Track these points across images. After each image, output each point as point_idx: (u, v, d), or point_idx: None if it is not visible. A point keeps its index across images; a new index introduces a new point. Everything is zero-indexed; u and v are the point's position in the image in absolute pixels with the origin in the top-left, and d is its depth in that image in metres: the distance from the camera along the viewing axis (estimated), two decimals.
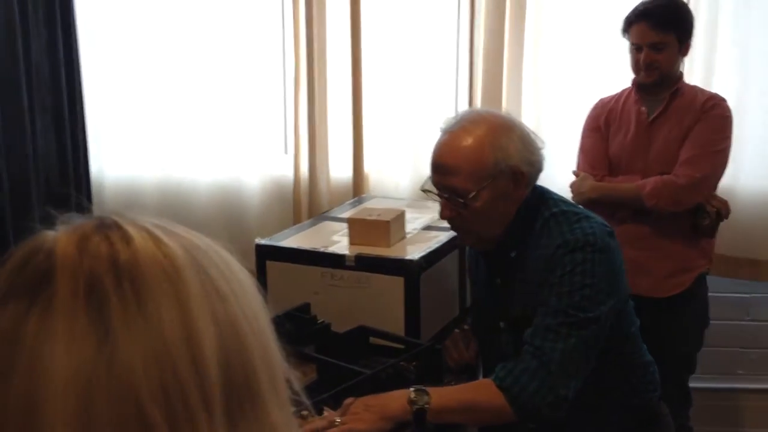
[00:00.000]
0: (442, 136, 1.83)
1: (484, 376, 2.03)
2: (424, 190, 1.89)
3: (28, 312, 0.58)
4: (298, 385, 0.71)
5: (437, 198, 1.84)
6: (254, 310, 0.66)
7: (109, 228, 0.62)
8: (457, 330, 2.19)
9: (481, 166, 1.77)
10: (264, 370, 0.64)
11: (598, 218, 1.84)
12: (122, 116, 3.09)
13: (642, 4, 2.64)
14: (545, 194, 1.88)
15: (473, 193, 1.77)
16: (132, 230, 0.62)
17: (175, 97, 3.08)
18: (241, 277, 0.67)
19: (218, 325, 0.61)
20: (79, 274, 0.58)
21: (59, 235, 0.62)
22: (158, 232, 0.63)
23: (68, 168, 2.80)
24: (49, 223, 0.64)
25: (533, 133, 1.86)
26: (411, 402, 1.67)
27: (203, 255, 0.64)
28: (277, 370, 0.66)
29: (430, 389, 1.70)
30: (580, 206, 1.93)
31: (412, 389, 1.69)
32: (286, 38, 3.04)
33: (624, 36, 2.67)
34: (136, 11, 3.01)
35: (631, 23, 2.64)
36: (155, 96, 3.07)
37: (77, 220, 0.64)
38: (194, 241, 0.65)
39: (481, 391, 1.74)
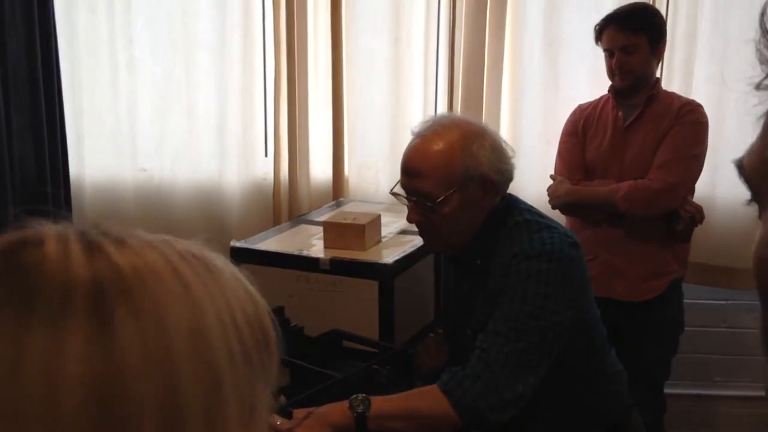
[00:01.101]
0: (414, 140, 1.83)
1: None
2: (393, 193, 1.89)
3: (29, 322, 0.58)
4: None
5: (405, 201, 1.84)
6: (245, 313, 0.67)
7: (100, 235, 0.63)
8: (431, 334, 2.19)
9: (451, 172, 1.76)
10: (191, 377, 0.64)
11: (562, 228, 1.83)
12: (102, 117, 3.08)
13: (612, 11, 2.67)
14: (513, 203, 1.87)
15: (441, 198, 1.76)
16: (126, 239, 0.63)
17: (155, 99, 3.08)
18: (231, 282, 0.67)
19: (222, 328, 0.63)
20: (84, 282, 0.59)
21: (48, 240, 0.62)
22: (134, 242, 0.64)
23: (46, 169, 2.79)
24: (25, 225, 0.65)
25: (504, 141, 1.85)
26: (351, 408, 1.63)
27: (195, 262, 0.65)
28: (213, 380, 0.65)
29: (373, 397, 1.66)
30: (546, 216, 1.91)
31: (353, 396, 1.66)
32: (267, 40, 3.04)
33: (597, 44, 2.69)
34: (115, 11, 3.00)
35: (601, 30, 2.66)
36: (135, 97, 3.07)
37: (65, 227, 0.64)
38: (190, 249, 0.67)
39: (425, 397, 1.70)
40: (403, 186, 1.83)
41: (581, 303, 1.78)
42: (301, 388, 1.81)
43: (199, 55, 3.05)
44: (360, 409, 1.64)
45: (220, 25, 3.03)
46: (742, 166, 0.57)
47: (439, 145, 1.78)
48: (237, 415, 0.64)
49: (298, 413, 1.65)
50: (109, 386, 0.57)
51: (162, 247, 0.65)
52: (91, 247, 0.62)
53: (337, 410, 1.65)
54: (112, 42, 3.03)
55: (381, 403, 1.65)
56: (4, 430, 0.57)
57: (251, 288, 0.71)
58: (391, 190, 1.89)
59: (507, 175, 1.83)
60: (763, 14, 0.52)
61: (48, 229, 0.63)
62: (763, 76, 0.54)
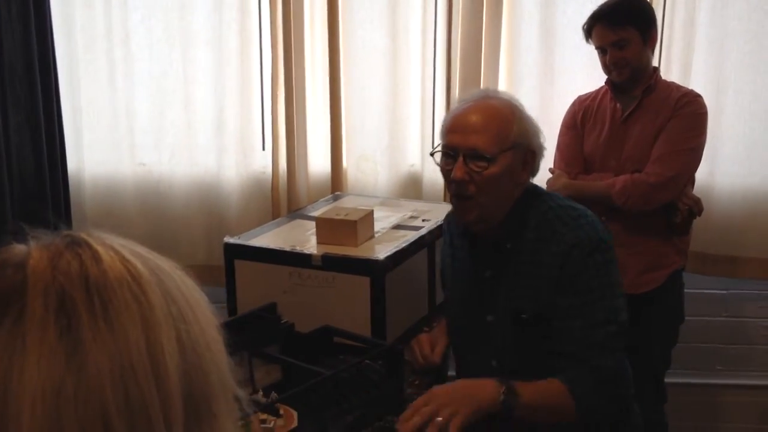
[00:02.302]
0: (462, 105, 1.84)
1: (462, 371, 2.04)
2: (433, 153, 1.88)
3: None
4: (246, 405, 0.74)
5: (450, 159, 1.81)
6: (212, 333, 0.68)
7: (79, 246, 0.65)
8: (425, 329, 2.19)
9: (507, 130, 1.80)
10: (221, 390, 0.67)
11: (589, 210, 1.89)
12: (100, 112, 3.09)
13: (598, 8, 2.65)
14: (537, 188, 1.92)
15: (494, 155, 1.77)
16: (101, 249, 0.65)
17: (153, 94, 3.09)
18: (200, 301, 0.69)
19: (181, 344, 0.63)
20: (50, 290, 0.61)
21: (30, 250, 0.64)
22: (126, 253, 0.66)
23: (44, 165, 2.81)
24: (22, 229, 0.67)
25: None
26: (503, 400, 1.68)
27: (167, 277, 0.67)
28: (230, 392, 0.69)
29: (515, 384, 1.71)
30: (571, 200, 1.95)
31: (498, 381, 1.70)
32: (264, 34, 3.03)
33: (588, 42, 2.68)
34: (112, 6, 3.01)
35: (590, 28, 2.65)
36: (133, 92, 3.08)
37: (48, 236, 0.67)
38: (158, 263, 0.68)
39: (560, 397, 1.74)
40: (451, 144, 1.81)
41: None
42: (292, 385, 1.82)
43: (196, 49, 3.05)
44: (511, 403, 1.68)
45: (216, 19, 3.03)
46: None
47: (497, 105, 1.82)
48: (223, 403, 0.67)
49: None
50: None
51: (139, 251, 0.68)
52: None
53: (487, 397, 1.69)
54: (110, 37, 3.03)
55: (527, 396, 1.70)
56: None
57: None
58: (432, 152, 1.88)
59: (541, 154, 1.87)
60: None
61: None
62: None
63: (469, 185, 1.81)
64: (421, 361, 2.07)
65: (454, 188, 1.83)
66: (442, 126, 1.88)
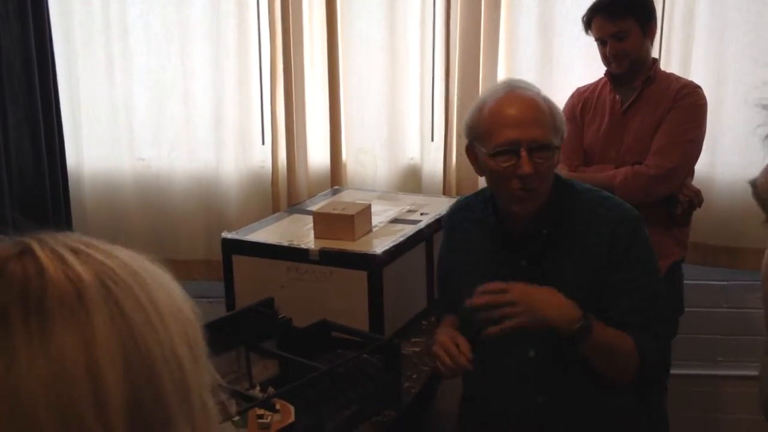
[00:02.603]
0: (504, 95, 1.79)
1: (491, 362, 1.93)
2: (497, 153, 1.77)
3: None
4: (225, 397, 0.74)
5: (511, 155, 1.76)
6: (171, 334, 0.66)
7: (26, 255, 0.63)
8: (441, 335, 1.95)
9: (559, 120, 1.83)
10: (177, 393, 0.64)
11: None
12: (99, 108, 3.09)
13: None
14: (559, 175, 1.92)
15: (557, 144, 1.80)
16: (48, 260, 0.62)
17: (151, 88, 3.09)
18: (168, 309, 0.67)
19: (126, 357, 0.61)
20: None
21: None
22: (76, 264, 0.63)
23: (43, 161, 2.81)
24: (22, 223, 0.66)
25: None
26: (578, 328, 1.71)
27: (119, 283, 0.64)
28: (193, 391, 0.66)
29: (594, 322, 1.74)
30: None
31: (582, 312, 1.73)
32: (262, 28, 3.03)
33: (587, 34, 2.67)
34: (110, 1, 3.01)
35: (589, 20, 2.64)
36: (131, 87, 3.08)
37: (3, 241, 0.65)
38: (113, 268, 0.65)
39: (628, 350, 1.79)
40: (513, 139, 1.75)
41: None
42: (289, 379, 1.83)
43: (194, 43, 3.05)
44: (588, 328, 1.72)
45: (214, 13, 3.02)
46: (755, 186, 0.56)
47: (538, 95, 1.81)
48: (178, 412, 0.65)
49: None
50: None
51: (116, 250, 0.67)
52: None
53: (570, 314, 1.73)
54: (108, 32, 3.03)
55: (601, 335, 1.75)
56: None
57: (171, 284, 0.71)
58: (494, 150, 1.77)
59: None
60: None
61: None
62: None
63: (533, 179, 1.78)
64: (451, 364, 1.87)
65: (521, 183, 1.78)
66: (481, 124, 1.81)
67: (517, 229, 1.87)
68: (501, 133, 1.76)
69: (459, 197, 2.20)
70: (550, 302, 1.74)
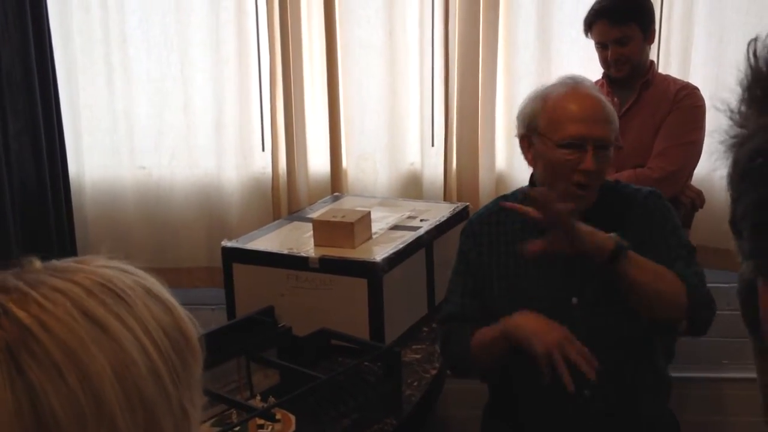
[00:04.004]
0: (571, 89, 1.84)
1: (519, 375, 1.93)
2: (564, 145, 1.81)
3: None
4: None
5: (576, 150, 1.80)
6: (148, 347, 0.66)
7: (2, 294, 0.64)
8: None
9: (617, 123, 1.88)
10: (128, 415, 0.64)
11: None
12: (99, 116, 3.10)
13: (597, 2, 2.63)
14: None
15: (619, 143, 1.88)
16: (30, 288, 0.64)
17: (151, 97, 3.09)
18: (122, 326, 0.66)
19: (70, 388, 0.61)
20: None
21: None
22: (50, 286, 0.64)
23: (44, 170, 2.82)
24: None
25: None
26: (616, 241, 1.76)
27: (105, 324, 0.65)
28: (144, 410, 0.66)
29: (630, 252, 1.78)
30: None
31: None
32: (261, 35, 3.04)
33: (587, 36, 2.67)
34: (109, 10, 3.01)
35: (591, 23, 2.63)
36: (131, 95, 3.08)
37: None
38: (80, 301, 0.65)
39: (668, 272, 1.84)
40: (580, 134, 1.79)
41: None
42: (290, 389, 1.83)
43: (193, 51, 3.05)
44: (623, 245, 1.77)
45: (213, 21, 3.03)
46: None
47: (596, 93, 1.88)
48: (171, 428, 0.66)
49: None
50: None
51: (69, 289, 0.65)
52: None
53: (602, 236, 1.77)
54: (107, 41, 3.03)
55: (638, 259, 1.80)
56: None
57: (163, 293, 0.71)
58: (558, 143, 1.81)
59: None
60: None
61: None
62: (731, 136, 0.49)
63: (595, 175, 1.84)
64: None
65: (583, 177, 1.81)
66: (546, 115, 1.84)
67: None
68: (569, 126, 1.80)
69: (483, 206, 2.16)
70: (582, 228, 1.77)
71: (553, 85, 1.89)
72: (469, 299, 1.97)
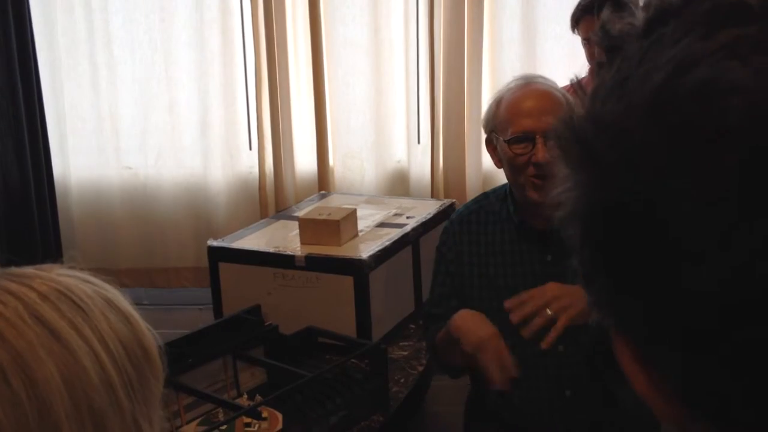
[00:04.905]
0: (520, 87, 1.85)
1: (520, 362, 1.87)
2: (513, 141, 1.82)
3: None
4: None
5: (526, 143, 1.80)
6: (103, 360, 0.66)
7: None
8: (492, 340, 1.80)
9: (571, 108, 1.80)
10: (75, 425, 0.64)
11: None
12: (84, 117, 3.09)
13: None
14: None
15: None
16: None
17: (136, 97, 3.09)
18: (76, 334, 0.66)
19: (13, 391, 0.61)
20: None
21: None
22: (2, 289, 0.64)
23: (28, 172, 2.81)
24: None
25: None
26: None
27: (20, 324, 0.64)
28: (93, 421, 0.65)
29: None
30: None
31: None
32: (246, 34, 3.03)
33: (574, 32, 2.68)
34: (92, 11, 3.01)
35: (578, 19, 2.64)
36: (117, 96, 3.08)
37: None
38: (32, 305, 0.65)
39: None
40: (528, 128, 1.80)
41: None
42: (277, 387, 1.82)
43: (178, 51, 3.05)
44: None
45: (198, 20, 3.02)
46: None
47: (553, 87, 1.84)
48: None
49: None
50: None
51: (23, 293, 0.65)
52: None
53: None
54: (91, 41, 3.03)
55: None
56: None
57: (124, 305, 0.70)
58: (510, 137, 1.83)
59: None
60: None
61: None
62: None
63: (552, 166, 1.81)
64: (498, 379, 1.76)
65: (538, 170, 1.81)
66: (499, 116, 1.87)
67: (540, 225, 1.87)
68: (518, 122, 1.82)
69: (463, 204, 2.16)
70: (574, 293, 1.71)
71: (507, 86, 1.91)
72: (446, 299, 1.98)
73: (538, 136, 1.79)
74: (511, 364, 1.75)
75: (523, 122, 1.81)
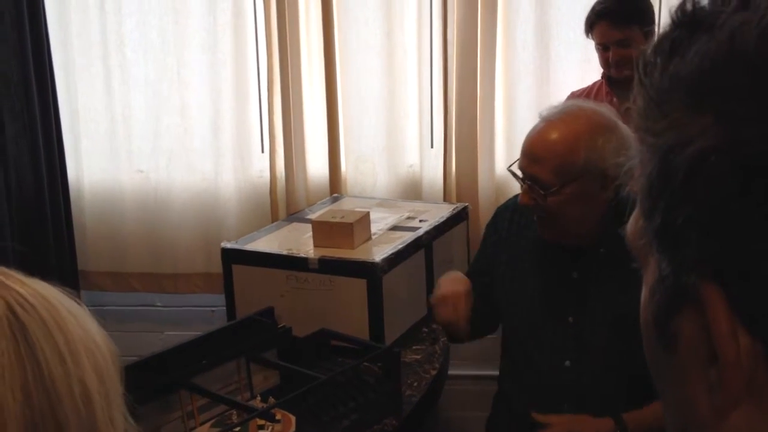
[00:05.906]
0: (539, 124, 1.81)
1: (522, 367, 1.96)
2: (510, 170, 1.87)
3: None
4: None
5: (520, 182, 1.83)
6: (82, 367, 0.66)
7: None
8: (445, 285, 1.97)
9: (569, 163, 1.74)
10: (81, 427, 0.65)
11: None
12: (97, 119, 3.09)
13: (598, 3, 2.62)
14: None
15: (555, 188, 1.75)
16: None
17: (149, 99, 3.09)
18: (73, 333, 0.67)
19: (27, 386, 0.62)
20: None
21: None
22: None
23: (42, 173, 2.81)
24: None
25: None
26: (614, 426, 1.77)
27: (30, 312, 0.64)
28: (100, 426, 0.67)
29: (626, 418, 1.77)
30: None
31: (615, 422, 1.77)
32: (259, 37, 3.03)
33: (588, 36, 2.66)
34: (106, 12, 3.01)
35: (592, 24, 2.63)
36: (129, 98, 3.08)
37: None
38: (26, 297, 0.65)
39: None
40: (521, 167, 1.82)
41: None
42: (290, 389, 1.82)
43: (191, 54, 3.05)
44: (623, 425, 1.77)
45: (211, 23, 3.02)
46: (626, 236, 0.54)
47: (563, 134, 1.76)
48: None
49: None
50: None
51: None
52: None
53: (607, 426, 1.77)
54: (105, 43, 3.03)
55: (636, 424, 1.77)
56: None
57: (80, 312, 0.70)
58: (509, 167, 1.86)
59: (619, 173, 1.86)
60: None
61: None
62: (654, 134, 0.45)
63: (537, 210, 1.82)
64: (445, 318, 1.92)
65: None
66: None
67: (570, 243, 1.87)
68: (520, 157, 1.84)
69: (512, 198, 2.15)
70: (591, 422, 1.79)
71: (546, 108, 1.90)
72: (478, 275, 2.04)
73: (525, 179, 1.80)
74: (463, 312, 1.85)
75: (521, 160, 1.83)
